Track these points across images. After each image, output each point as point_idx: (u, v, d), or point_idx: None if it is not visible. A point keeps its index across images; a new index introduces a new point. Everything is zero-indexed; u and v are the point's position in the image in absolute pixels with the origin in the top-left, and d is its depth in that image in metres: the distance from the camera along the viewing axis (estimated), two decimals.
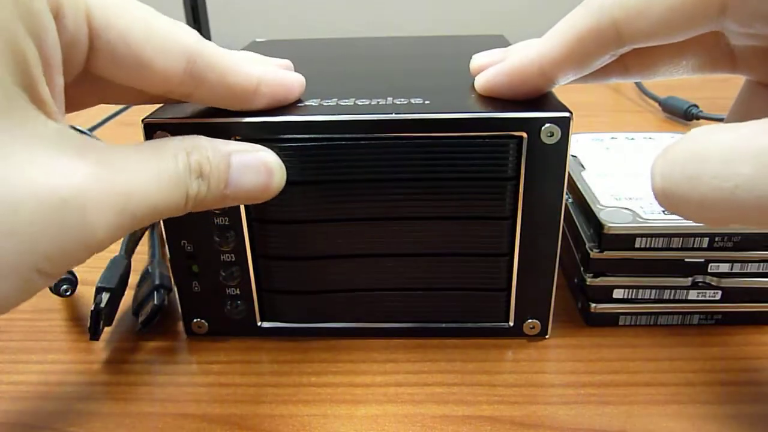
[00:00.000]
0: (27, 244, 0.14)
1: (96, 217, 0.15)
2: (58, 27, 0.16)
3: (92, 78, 0.19)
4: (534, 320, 0.26)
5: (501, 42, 0.39)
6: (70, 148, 0.16)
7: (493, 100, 0.23)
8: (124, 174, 0.16)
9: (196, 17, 0.74)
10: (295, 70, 0.25)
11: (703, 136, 0.15)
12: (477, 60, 0.25)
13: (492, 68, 0.23)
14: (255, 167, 0.20)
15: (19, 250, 0.14)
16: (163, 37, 0.19)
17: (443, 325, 0.27)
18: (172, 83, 0.20)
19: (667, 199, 0.15)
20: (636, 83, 0.62)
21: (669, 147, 0.15)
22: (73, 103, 0.20)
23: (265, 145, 0.23)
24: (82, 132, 0.46)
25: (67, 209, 0.15)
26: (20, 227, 0.14)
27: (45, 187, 0.15)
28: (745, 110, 0.22)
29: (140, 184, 0.17)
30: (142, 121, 0.23)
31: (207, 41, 0.20)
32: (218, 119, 0.23)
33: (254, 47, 0.38)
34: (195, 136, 0.20)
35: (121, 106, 0.60)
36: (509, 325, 0.26)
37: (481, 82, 0.24)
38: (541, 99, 0.24)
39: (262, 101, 0.22)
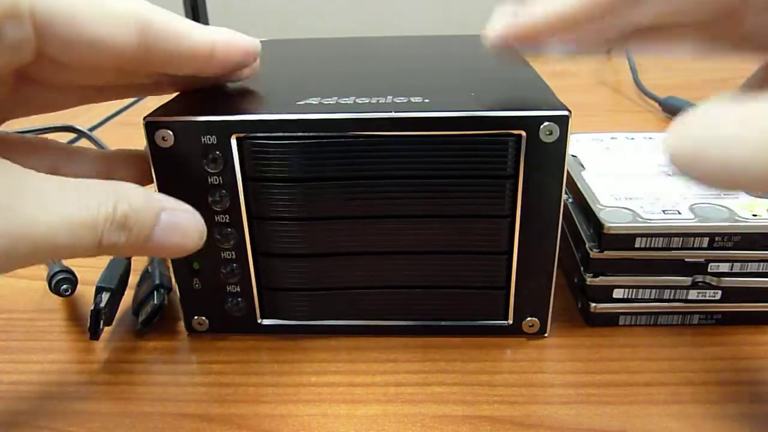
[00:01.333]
0: None
1: None
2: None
3: (44, 65, 0.19)
4: (533, 318, 0.26)
5: None
6: None
7: (492, 99, 0.23)
8: (25, 211, 0.16)
9: (196, 17, 0.74)
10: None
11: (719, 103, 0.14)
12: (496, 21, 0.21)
13: (513, 20, 0.20)
14: (181, 229, 0.20)
15: None
16: (111, 11, 0.18)
17: (442, 322, 0.27)
18: (126, 55, 0.19)
19: (680, 156, 0.14)
20: (636, 83, 0.62)
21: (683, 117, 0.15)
22: (35, 105, 0.20)
23: (265, 143, 0.23)
24: (80, 132, 0.46)
25: None
26: None
27: None
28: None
29: (41, 224, 0.16)
30: (144, 119, 0.23)
31: (157, 7, 0.20)
32: (219, 117, 0.23)
33: None
34: (128, 184, 0.19)
35: (121, 107, 0.60)
36: (508, 322, 0.26)
37: (500, 28, 0.21)
38: (540, 98, 0.24)
39: (217, 64, 0.22)
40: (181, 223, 0.20)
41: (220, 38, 0.22)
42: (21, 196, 0.16)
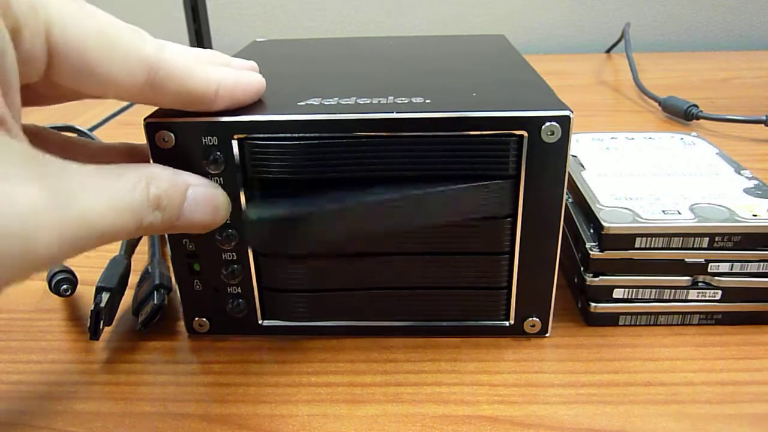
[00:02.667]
0: None
1: (41, 242, 0.15)
2: (16, 45, 0.16)
3: (50, 83, 0.19)
4: (534, 318, 0.26)
5: (502, 42, 0.39)
6: (29, 171, 0.15)
7: (493, 99, 0.23)
8: (78, 200, 0.16)
9: (196, 17, 0.74)
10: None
11: None
12: None
13: None
14: (207, 203, 0.21)
15: None
16: (122, 50, 0.19)
17: (444, 323, 0.27)
18: (132, 93, 0.20)
19: None
20: (636, 83, 0.62)
21: None
22: (30, 102, 0.20)
23: (267, 143, 0.23)
24: (80, 132, 0.46)
25: (11, 235, 0.15)
26: None
27: None
28: None
29: (94, 211, 0.17)
30: (144, 120, 0.23)
31: (166, 47, 0.20)
32: (220, 118, 0.23)
33: (254, 47, 0.38)
34: (154, 165, 0.20)
35: (121, 107, 0.60)
36: (510, 323, 0.26)
37: None
38: (542, 98, 0.24)
39: (222, 104, 0.22)
40: (207, 197, 0.21)
41: (226, 80, 0.22)
42: (69, 187, 0.16)
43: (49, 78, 0.18)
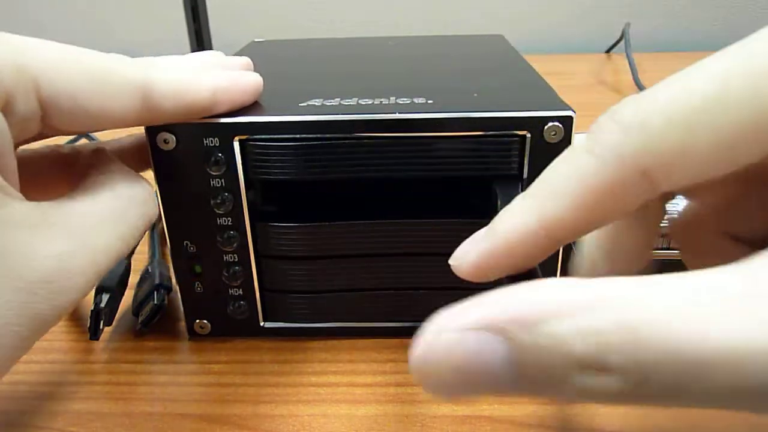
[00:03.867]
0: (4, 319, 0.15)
1: (72, 287, 0.17)
2: (9, 112, 0.17)
3: (48, 128, 0.19)
4: None
5: (501, 42, 0.39)
6: (40, 227, 0.16)
7: (496, 99, 0.23)
8: (90, 242, 0.18)
9: (196, 17, 0.74)
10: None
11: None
12: (457, 253, 0.18)
13: (479, 245, 0.17)
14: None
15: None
16: (110, 84, 0.19)
17: None
18: (131, 119, 0.20)
19: None
20: (636, 83, 0.62)
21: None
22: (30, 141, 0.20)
23: (268, 145, 0.23)
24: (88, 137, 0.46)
25: (43, 290, 0.16)
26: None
27: (24, 273, 0.16)
28: None
29: (106, 248, 0.18)
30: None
31: (154, 65, 0.20)
32: (221, 119, 0.23)
33: (253, 47, 0.38)
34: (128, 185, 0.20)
35: None
36: None
37: (468, 261, 0.17)
38: (544, 98, 0.24)
39: (221, 107, 0.22)
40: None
41: (221, 84, 0.22)
42: (81, 235, 0.17)
43: (45, 124, 0.18)
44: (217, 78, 0.22)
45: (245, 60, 0.25)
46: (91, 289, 0.18)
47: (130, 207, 0.19)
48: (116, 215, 0.19)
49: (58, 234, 0.17)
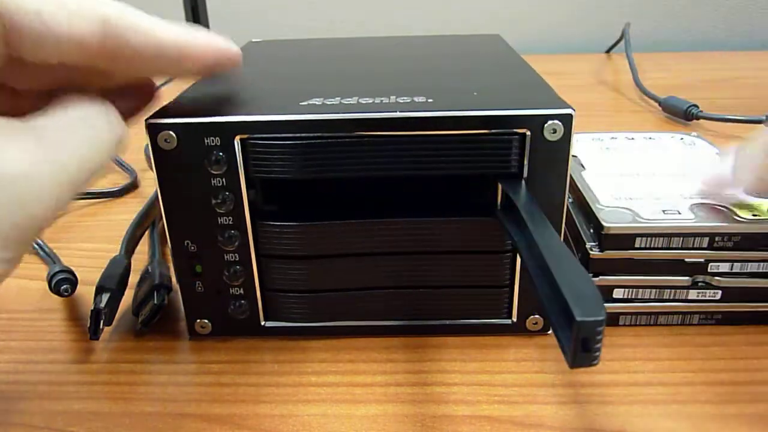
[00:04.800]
0: None
1: (44, 195, 0.17)
2: None
3: (16, 64, 0.19)
4: (536, 316, 0.26)
5: (497, 41, 0.39)
6: (4, 130, 0.17)
7: (496, 98, 0.23)
8: (62, 149, 0.18)
9: (196, 17, 0.74)
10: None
11: None
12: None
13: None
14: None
15: None
16: (74, 8, 0.19)
17: (447, 322, 0.27)
18: (93, 49, 0.19)
19: None
20: (636, 83, 0.62)
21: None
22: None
23: (269, 143, 0.23)
24: None
25: (16, 191, 0.16)
26: None
27: None
28: None
29: (75, 153, 0.18)
30: (146, 121, 0.23)
31: (129, 8, 0.20)
32: (222, 118, 0.23)
33: (251, 47, 0.38)
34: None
35: None
36: (512, 321, 0.26)
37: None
38: (543, 96, 0.24)
39: (189, 66, 0.22)
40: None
41: (192, 40, 0.21)
42: (51, 143, 0.18)
43: (12, 61, 0.19)
44: (190, 33, 0.21)
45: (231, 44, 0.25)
46: (67, 201, 0.18)
47: (97, 116, 0.19)
48: (84, 123, 0.19)
49: (24, 138, 0.17)
